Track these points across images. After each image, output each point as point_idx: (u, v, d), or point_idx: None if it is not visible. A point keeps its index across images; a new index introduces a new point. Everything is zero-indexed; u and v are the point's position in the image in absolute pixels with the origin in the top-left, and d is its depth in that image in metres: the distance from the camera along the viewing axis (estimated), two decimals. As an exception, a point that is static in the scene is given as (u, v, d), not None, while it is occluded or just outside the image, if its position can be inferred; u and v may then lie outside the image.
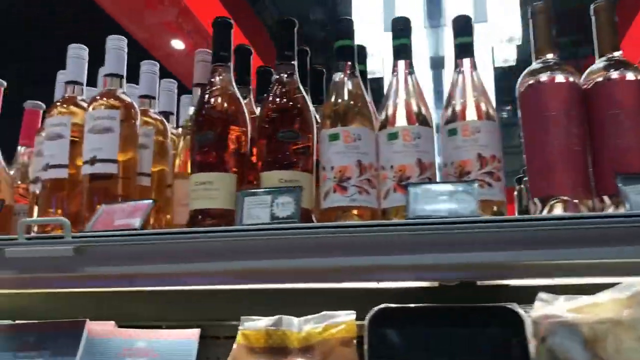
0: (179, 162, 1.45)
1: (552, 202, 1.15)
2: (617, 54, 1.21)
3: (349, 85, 1.28)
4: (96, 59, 1.45)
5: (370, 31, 6.28)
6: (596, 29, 1.24)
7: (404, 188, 1.17)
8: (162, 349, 1.20)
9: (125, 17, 6.78)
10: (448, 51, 6.61)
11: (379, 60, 6.46)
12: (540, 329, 0.97)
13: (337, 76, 1.30)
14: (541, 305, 1.11)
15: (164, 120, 1.51)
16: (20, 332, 1.24)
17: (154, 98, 1.52)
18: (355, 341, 1.11)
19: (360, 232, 1.05)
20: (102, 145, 1.29)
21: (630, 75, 1.15)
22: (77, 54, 1.42)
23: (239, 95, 1.30)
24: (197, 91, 1.45)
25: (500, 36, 5.34)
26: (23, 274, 1.15)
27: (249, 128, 1.29)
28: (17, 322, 1.30)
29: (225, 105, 1.27)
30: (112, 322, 1.28)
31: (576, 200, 1.13)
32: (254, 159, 1.30)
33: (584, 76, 1.21)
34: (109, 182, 1.29)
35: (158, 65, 1.55)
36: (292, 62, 1.31)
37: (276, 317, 1.18)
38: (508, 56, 5.56)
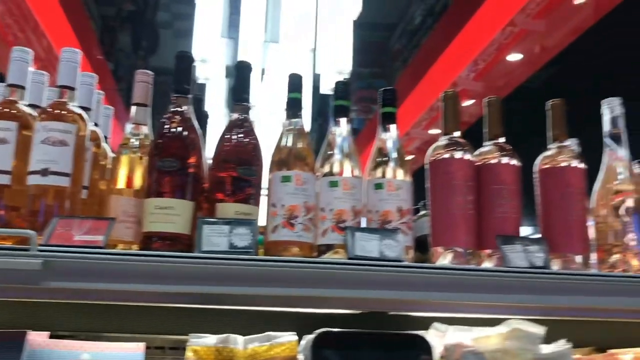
0: (111, 178, 1.48)
1: (449, 252, 1.47)
2: (501, 140, 1.57)
3: (299, 132, 1.47)
4: None
5: (208, 36, 6.34)
6: (488, 117, 1.60)
7: (341, 229, 1.40)
8: (108, 362, 1.25)
9: None
10: (269, 65, 6.91)
11: (213, 65, 6.53)
12: (453, 354, 1.26)
13: (288, 123, 1.47)
14: (435, 333, 1.42)
15: (100, 134, 1.53)
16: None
17: (90, 109, 1.53)
18: (296, 358, 1.30)
19: (312, 267, 1.25)
20: (57, 157, 1.29)
21: (513, 161, 1.52)
22: (21, 56, 1.39)
23: (198, 127, 1.41)
24: (140, 110, 1.50)
25: (331, 67, 5.84)
26: (-23, 283, 1.13)
27: (204, 160, 1.41)
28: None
29: (190, 136, 1.37)
30: (47, 333, 1.29)
31: (469, 251, 1.46)
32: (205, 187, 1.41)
33: (476, 153, 1.56)
34: (61, 194, 1.30)
35: (95, 77, 1.57)
36: (248, 104, 1.46)
37: (224, 335, 1.31)
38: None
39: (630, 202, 1.48)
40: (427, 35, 10.63)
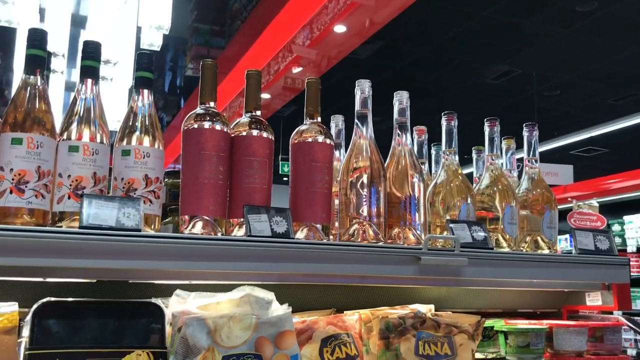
0: None
1: (196, 220, 1.49)
2: (257, 113, 1.62)
3: (36, 92, 1.38)
4: None
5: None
6: (246, 92, 1.63)
7: (78, 196, 1.36)
8: None
9: None
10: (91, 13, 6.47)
11: (21, 8, 5.95)
12: (178, 321, 1.30)
13: (26, 81, 1.38)
14: (176, 299, 1.45)
15: None
16: None
17: None
18: (17, 329, 1.25)
19: (37, 236, 1.21)
20: None
21: (265, 134, 1.57)
22: None
23: None
24: None
25: (150, 22, 5.60)
26: None
27: None
28: None
29: None
30: None
31: (216, 220, 1.49)
32: None
33: (232, 125, 1.59)
34: None
35: None
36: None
37: None
38: (154, 41, 5.85)
39: (365, 178, 1.61)
40: (264, -4, 10.57)
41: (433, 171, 2.10)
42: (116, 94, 6.07)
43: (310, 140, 1.60)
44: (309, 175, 1.60)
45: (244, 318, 1.32)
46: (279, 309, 1.41)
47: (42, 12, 6.27)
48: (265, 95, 9.11)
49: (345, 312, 1.69)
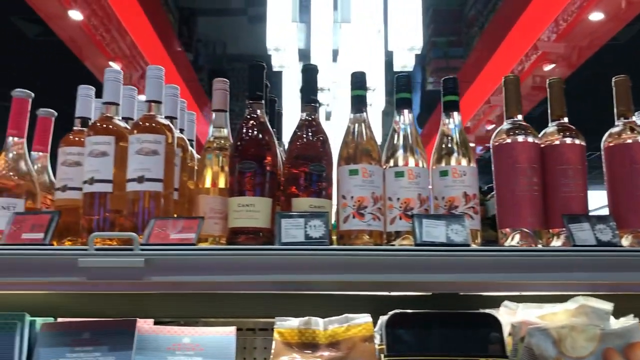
0: (198, 179, 1.64)
1: (516, 233, 1.52)
2: (565, 120, 1.60)
3: (362, 127, 1.56)
4: None
5: (281, 22, 6.43)
6: (550, 98, 1.63)
7: (408, 217, 1.49)
8: (206, 343, 1.42)
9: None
10: (342, 46, 6.90)
11: (287, 52, 6.60)
12: (519, 331, 1.34)
13: (354, 119, 1.57)
14: (505, 310, 1.49)
15: (186, 140, 1.69)
16: (74, 329, 1.40)
17: (176, 118, 1.70)
18: (372, 337, 1.41)
19: (380, 254, 1.35)
20: (150, 165, 1.46)
21: (577, 141, 1.55)
22: (114, 76, 1.56)
23: (271, 130, 1.53)
24: (220, 115, 1.65)
25: (402, 44, 5.82)
26: (92, 280, 1.31)
27: (279, 158, 1.53)
28: (70, 319, 1.45)
29: (265, 138, 1.50)
30: (152, 320, 1.48)
31: (535, 231, 1.51)
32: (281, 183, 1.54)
33: (541, 135, 1.60)
34: (156, 198, 1.47)
35: (178, 88, 1.73)
36: (316, 105, 1.57)
37: (306, 318, 1.45)
38: (407, 63, 6.06)
39: (700, 176, 1.48)
40: (503, -1, 10.28)
41: None
42: (372, 116, 6.46)
43: (629, 141, 1.53)
44: (629, 179, 1.52)
45: (586, 329, 1.31)
46: (620, 320, 1.36)
47: (300, 52, 6.95)
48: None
49: (684, 322, 1.55)
